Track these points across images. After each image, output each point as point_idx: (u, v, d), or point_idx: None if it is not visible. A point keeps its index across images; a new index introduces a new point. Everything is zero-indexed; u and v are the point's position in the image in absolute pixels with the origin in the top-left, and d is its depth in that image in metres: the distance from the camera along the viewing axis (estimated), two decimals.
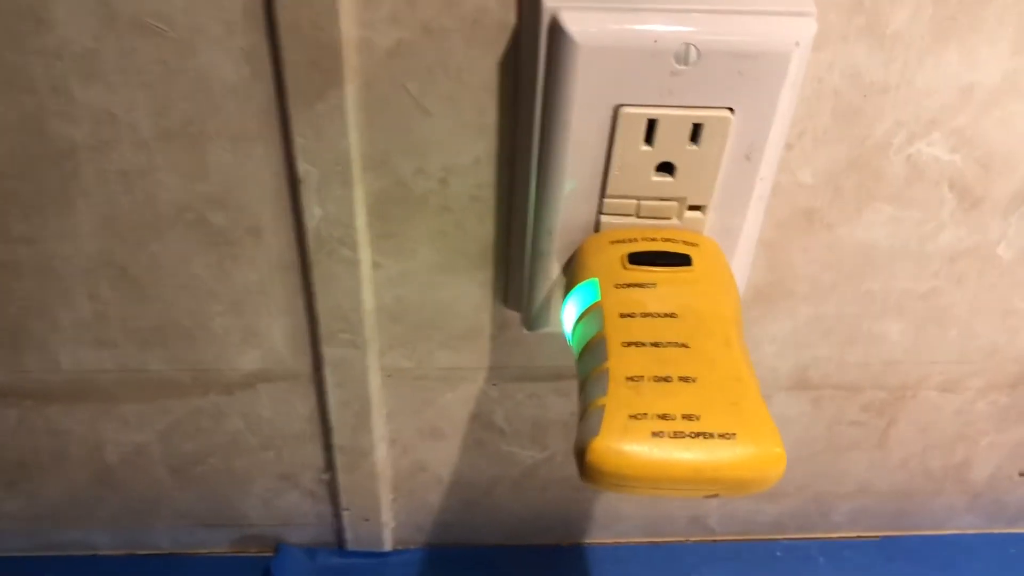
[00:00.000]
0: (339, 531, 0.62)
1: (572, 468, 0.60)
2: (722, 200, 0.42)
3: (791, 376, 0.55)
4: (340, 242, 0.46)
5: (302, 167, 0.43)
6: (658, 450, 0.34)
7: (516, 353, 0.53)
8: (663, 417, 0.35)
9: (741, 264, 0.45)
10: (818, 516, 0.65)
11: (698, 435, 0.35)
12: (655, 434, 0.35)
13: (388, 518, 0.62)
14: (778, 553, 0.65)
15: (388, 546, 0.64)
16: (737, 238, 0.44)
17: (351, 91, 0.41)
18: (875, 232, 0.49)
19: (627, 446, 0.34)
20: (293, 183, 0.44)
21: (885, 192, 0.47)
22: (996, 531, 0.68)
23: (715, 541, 0.66)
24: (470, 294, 0.49)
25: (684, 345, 0.38)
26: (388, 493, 0.60)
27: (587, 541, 0.65)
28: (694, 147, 0.40)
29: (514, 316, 0.51)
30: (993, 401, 0.58)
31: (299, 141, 0.42)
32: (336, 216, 0.45)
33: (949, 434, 0.60)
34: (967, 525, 0.67)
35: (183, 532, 0.62)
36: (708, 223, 0.43)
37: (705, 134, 0.39)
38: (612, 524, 0.65)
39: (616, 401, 0.36)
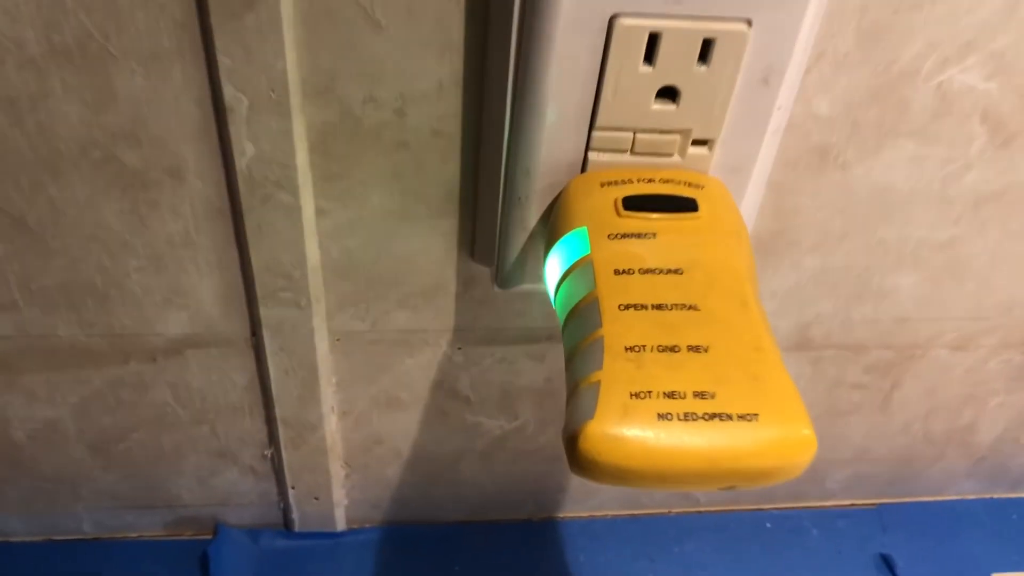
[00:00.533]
0: (285, 511, 0.56)
1: (545, 437, 0.54)
2: (733, 133, 0.35)
3: (791, 336, 0.50)
4: (277, 185, 0.39)
5: (229, 94, 0.36)
6: (666, 435, 0.28)
7: (484, 313, 0.46)
8: (670, 395, 0.29)
9: (748, 210, 0.39)
10: (811, 484, 0.60)
11: (713, 416, 0.29)
12: (661, 416, 0.29)
13: (340, 496, 0.55)
14: (767, 524, 0.60)
15: (341, 526, 0.57)
16: (747, 179, 0.37)
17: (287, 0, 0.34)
18: (894, 173, 0.43)
19: (628, 431, 0.28)
20: (219, 114, 0.37)
21: (909, 126, 0.41)
22: (997, 496, 0.64)
23: (699, 512, 0.60)
24: (431, 246, 0.43)
25: (693, 307, 0.32)
26: (340, 469, 0.54)
27: (561, 515, 0.60)
28: (703, 68, 0.33)
29: (483, 271, 0.44)
30: (1007, 360, 0.53)
31: (225, 62, 0.35)
32: (271, 154, 0.38)
33: (956, 396, 0.55)
34: (967, 490, 0.63)
35: (108, 515, 0.55)
36: (714, 161, 0.36)
37: (717, 52, 0.33)
38: (588, 497, 0.59)
39: (613, 376, 0.30)
